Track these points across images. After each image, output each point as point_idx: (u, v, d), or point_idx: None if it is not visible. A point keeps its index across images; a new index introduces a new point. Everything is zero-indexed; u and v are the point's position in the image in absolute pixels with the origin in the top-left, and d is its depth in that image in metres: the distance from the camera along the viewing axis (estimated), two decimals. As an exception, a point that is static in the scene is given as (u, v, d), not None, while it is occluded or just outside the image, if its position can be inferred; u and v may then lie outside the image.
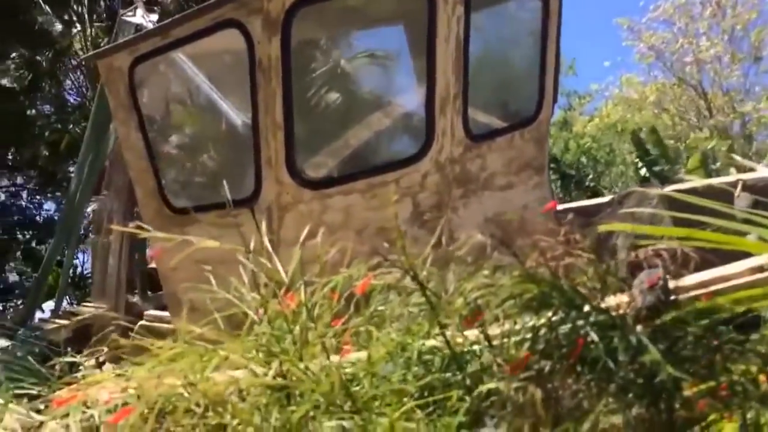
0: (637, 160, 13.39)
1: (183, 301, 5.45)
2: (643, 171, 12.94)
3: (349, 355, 2.27)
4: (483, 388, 1.84)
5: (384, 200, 4.89)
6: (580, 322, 1.88)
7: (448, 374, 1.97)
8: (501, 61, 5.71)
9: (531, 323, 1.96)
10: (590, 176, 14.40)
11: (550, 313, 1.95)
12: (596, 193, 14.04)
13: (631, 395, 1.88)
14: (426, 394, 1.90)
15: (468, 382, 1.92)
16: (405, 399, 1.89)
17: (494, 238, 2.36)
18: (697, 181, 7.22)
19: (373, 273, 2.30)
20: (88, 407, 2.39)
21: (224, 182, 5.43)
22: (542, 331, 1.92)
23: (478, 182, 5.19)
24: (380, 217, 4.91)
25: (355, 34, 5.76)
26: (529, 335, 1.94)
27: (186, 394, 1.97)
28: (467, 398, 1.89)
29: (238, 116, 5.21)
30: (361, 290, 2.28)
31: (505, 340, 1.99)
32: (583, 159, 14.75)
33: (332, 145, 5.14)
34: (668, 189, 6.72)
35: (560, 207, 6.67)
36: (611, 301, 2.37)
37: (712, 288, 2.77)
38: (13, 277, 19.27)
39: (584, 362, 1.88)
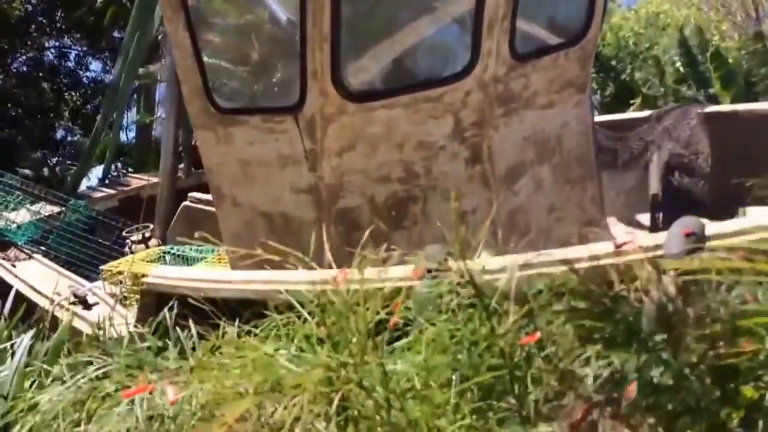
0: (677, 58, 13.07)
1: (227, 195, 5.70)
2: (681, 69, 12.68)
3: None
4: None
5: (425, 115, 4.99)
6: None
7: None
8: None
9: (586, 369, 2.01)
10: (627, 71, 14.03)
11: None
12: (631, 88, 13.80)
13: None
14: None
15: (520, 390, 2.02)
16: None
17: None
18: (738, 105, 7.17)
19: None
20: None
21: (271, 88, 5.58)
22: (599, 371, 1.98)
23: (520, 101, 5.21)
24: (421, 131, 5.03)
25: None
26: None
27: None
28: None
29: (288, 21, 5.22)
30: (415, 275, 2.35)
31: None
32: (621, 54, 14.32)
33: (377, 60, 5.16)
34: (709, 109, 6.71)
35: (597, 119, 6.66)
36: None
37: (752, 237, 2.85)
38: (61, 134, 19.81)
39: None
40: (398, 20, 5.17)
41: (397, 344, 2.16)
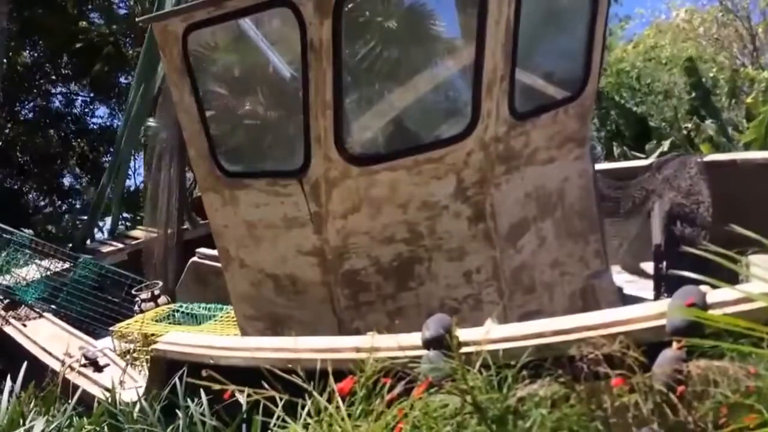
0: (689, 89, 13.15)
1: (234, 257, 5.75)
2: (694, 102, 12.77)
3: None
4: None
5: (428, 176, 5.05)
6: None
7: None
8: (548, 36, 5.64)
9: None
10: (630, 103, 14.16)
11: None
12: (642, 121, 13.89)
13: None
14: None
15: None
16: None
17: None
18: (737, 154, 7.26)
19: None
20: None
21: (276, 152, 5.65)
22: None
23: (521, 158, 5.26)
24: (424, 192, 5.08)
25: (407, 13, 5.71)
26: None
27: None
28: None
29: (291, 87, 5.29)
30: (418, 393, 2.37)
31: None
32: (624, 89, 14.45)
33: (380, 123, 5.24)
34: (708, 158, 6.77)
35: (598, 167, 6.71)
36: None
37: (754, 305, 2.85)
38: (68, 181, 19.99)
39: None
40: (400, 85, 5.26)
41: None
